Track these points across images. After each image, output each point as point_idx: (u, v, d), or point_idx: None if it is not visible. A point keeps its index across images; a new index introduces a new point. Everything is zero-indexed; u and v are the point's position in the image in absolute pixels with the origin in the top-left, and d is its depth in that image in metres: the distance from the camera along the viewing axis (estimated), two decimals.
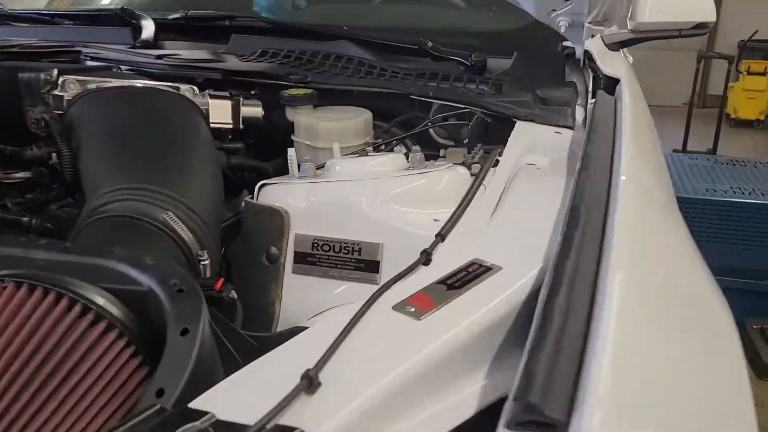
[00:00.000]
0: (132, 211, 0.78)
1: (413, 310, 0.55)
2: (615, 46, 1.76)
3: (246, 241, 0.88)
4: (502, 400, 0.54)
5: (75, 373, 0.55)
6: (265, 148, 1.24)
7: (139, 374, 0.59)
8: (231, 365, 0.60)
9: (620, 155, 0.78)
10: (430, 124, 1.22)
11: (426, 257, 0.67)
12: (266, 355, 0.53)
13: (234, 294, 0.74)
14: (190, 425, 0.42)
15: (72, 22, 1.69)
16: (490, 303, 0.57)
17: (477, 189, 0.83)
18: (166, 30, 1.60)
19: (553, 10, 1.35)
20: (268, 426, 0.43)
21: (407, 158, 0.91)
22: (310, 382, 0.47)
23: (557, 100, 1.27)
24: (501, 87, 1.31)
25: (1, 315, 0.57)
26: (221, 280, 0.73)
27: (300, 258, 0.83)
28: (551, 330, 0.47)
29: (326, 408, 0.46)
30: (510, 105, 1.23)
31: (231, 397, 0.48)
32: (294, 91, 1.19)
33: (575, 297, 0.51)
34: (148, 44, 1.52)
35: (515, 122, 1.17)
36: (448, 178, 0.84)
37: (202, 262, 0.79)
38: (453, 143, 1.28)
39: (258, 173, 1.08)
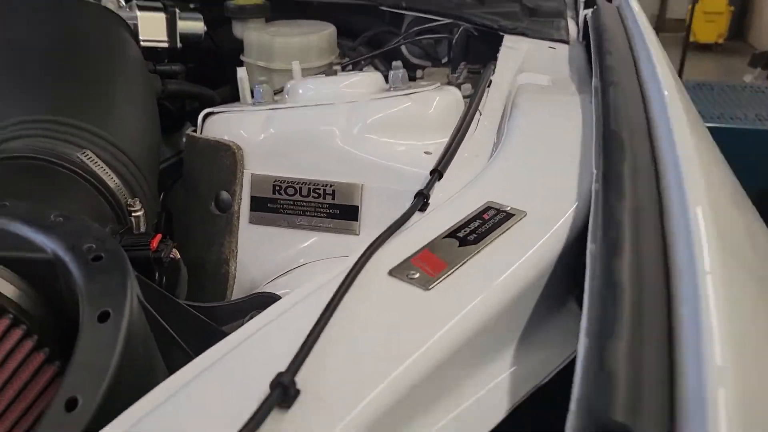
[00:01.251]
0: (34, 150, 0.60)
1: (418, 275, 0.41)
2: None
3: (190, 185, 0.71)
4: (539, 391, 0.41)
5: None
6: (210, 75, 1.05)
7: (48, 372, 0.43)
8: (176, 356, 0.45)
9: (652, 70, 0.63)
10: (403, 40, 1.05)
11: (423, 200, 0.53)
12: (218, 346, 0.38)
13: (176, 253, 0.58)
14: None
15: None
16: (520, 261, 0.42)
17: (474, 113, 0.68)
18: None
19: None
20: None
21: (386, 78, 0.74)
22: (284, 392, 0.32)
23: (548, 10, 1.11)
24: None
25: None
26: (158, 237, 0.57)
27: (258, 204, 0.66)
28: (623, 303, 0.33)
29: (310, 428, 0.32)
30: (495, 17, 1.07)
31: (170, 413, 0.33)
32: (242, 1, 1.00)
33: (645, 252, 0.37)
34: None
35: (502, 37, 1.01)
36: (439, 99, 0.68)
37: (133, 214, 0.62)
38: (430, 63, 1.12)
39: (202, 101, 0.89)
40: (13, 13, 0.80)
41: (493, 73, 0.81)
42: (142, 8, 0.93)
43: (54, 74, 0.73)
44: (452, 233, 0.45)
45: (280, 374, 0.33)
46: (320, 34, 0.96)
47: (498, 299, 0.40)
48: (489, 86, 0.78)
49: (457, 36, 1.00)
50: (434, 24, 1.04)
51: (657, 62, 0.64)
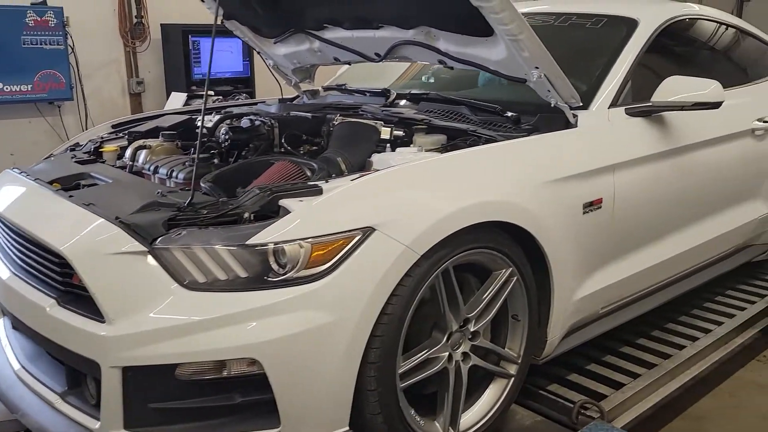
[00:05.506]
0: (330, 156, 2.60)
1: None
2: (636, 113, 2.95)
3: None
4: None
5: None
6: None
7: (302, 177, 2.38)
8: None
9: None
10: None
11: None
12: None
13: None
14: None
15: (366, 94, 3.67)
16: None
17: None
18: (401, 98, 3.42)
19: (546, 95, 2.71)
20: None
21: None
22: None
23: None
24: (517, 128, 2.75)
25: None
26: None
27: None
28: None
29: None
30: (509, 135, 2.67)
31: None
32: (419, 127, 2.87)
33: None
34: (388, 105, 3.36)
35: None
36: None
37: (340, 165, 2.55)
38: None
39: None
40: (349, 125, 2.87)
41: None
42: (383, 125, 2.90)
43: (347, 141, 2.74)
44: None
45: None
46: (432, 138, 2.75)
47: None
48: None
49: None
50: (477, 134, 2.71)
51: None
